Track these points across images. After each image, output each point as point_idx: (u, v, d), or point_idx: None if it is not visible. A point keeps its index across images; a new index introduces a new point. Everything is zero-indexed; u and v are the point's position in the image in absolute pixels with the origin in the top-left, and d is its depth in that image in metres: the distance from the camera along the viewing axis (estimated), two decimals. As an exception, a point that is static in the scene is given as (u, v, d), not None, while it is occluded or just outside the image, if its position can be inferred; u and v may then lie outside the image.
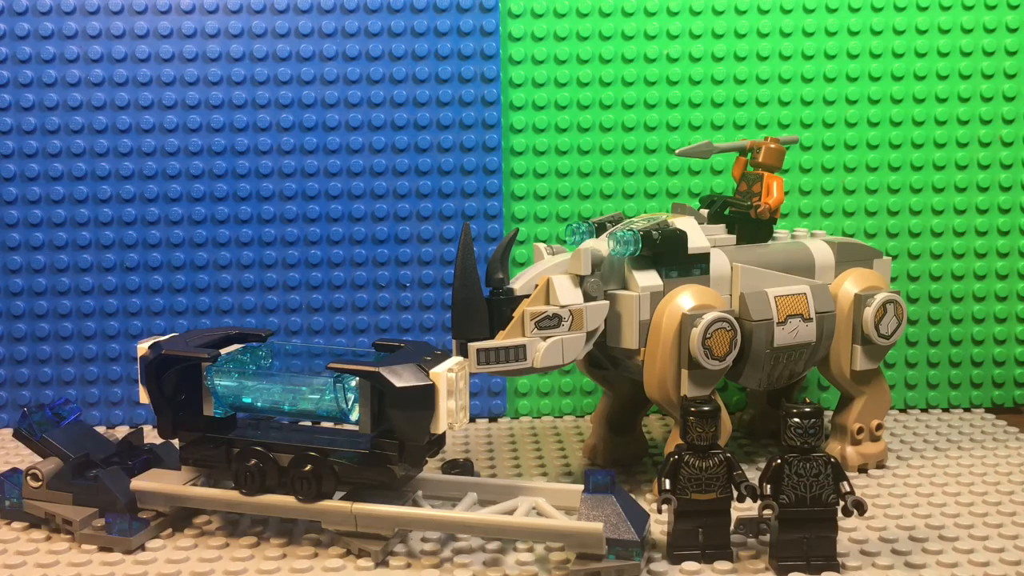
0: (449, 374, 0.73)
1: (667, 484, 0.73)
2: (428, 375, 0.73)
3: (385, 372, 0.73)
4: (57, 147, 1.09)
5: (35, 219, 1.10)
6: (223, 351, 0.81)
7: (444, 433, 0.76)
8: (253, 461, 0.78)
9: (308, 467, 0.77)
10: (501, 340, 0.80)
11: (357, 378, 0.76)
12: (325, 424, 0.87)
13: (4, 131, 1.09)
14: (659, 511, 0.74)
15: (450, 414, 0.74)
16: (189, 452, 0.81)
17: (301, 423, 0.93)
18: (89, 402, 1.12)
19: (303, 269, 1.12)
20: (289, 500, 0.77)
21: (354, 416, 0.78)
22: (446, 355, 0.77)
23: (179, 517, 0.83)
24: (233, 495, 0.79)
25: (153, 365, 0.79)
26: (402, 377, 0.72)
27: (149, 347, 0.80)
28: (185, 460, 0.82)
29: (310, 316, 1.12)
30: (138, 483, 0.81)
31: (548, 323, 0.81)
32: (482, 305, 0.80)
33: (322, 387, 0.78)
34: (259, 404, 0.81)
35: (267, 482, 0.78)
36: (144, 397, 0.80)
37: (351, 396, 0.77)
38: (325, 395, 0.78)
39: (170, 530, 0.81)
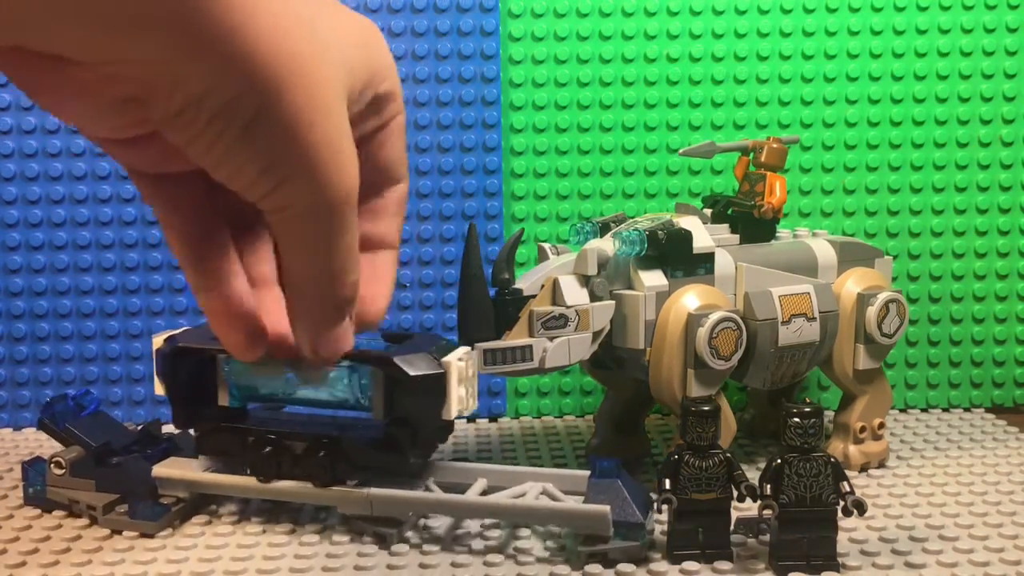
0: (459, 362, 0.76)
1: (667, 484, 0.73)
2: (440, 364, 0.75)
3: (399, 361, 0.75)
4: (57, 147, 1.09)
5: (35, 219, 1.10)
6: None
7: (453, 420, 0.78)
8: (268, 448, 0.80)
9: (323, 453, 0.79)
10: (508, 341, 0.80)
11: (371, 367, 0.78)
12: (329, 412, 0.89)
13: (4, 131, 1.09)
14: (659, 511, 0.74)
15: (460, 401, 0.76)
16: (204, 441, 0.83)
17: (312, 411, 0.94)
18: (89, 402, 1.12)
19: (303, 269, 1.11)
20: (306, 486, 0.79)
21: (367, 403, 0.79)
22: (453, 344, 0.79)
23: (190, 503, 0.84)
24: (251, 481, 0.81)
25: (169, 357, 0.81)
26: (416, 366, 0.75)
27: (165, 340, 0.82)
28: (201, 449, 0.84)
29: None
30: (159, 470, 0.83)
31: (555, 323, 0.81)
32: (488, 306, 0.80)
33: (336, 376, 0.79)
34: (274, 393, 0.82)
35: (282, 469, 0.80)
36: (160, 389, 0.82)
37: (365, 384, 0.79)
38: (340, 384, 0.80)
39: (178, 519, 0.83)
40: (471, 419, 1.14)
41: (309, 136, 0.43)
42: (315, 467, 0.79)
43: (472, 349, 0.79)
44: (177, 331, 0.84)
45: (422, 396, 0.75)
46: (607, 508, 0.73)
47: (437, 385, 0.75)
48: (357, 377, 0.79)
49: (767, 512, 0.72)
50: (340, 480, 0.79)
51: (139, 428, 0.90)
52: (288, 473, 0.80)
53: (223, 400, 0.82)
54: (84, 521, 0.83)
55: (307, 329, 0.53)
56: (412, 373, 0.75)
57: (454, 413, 0.76)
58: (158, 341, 0.82)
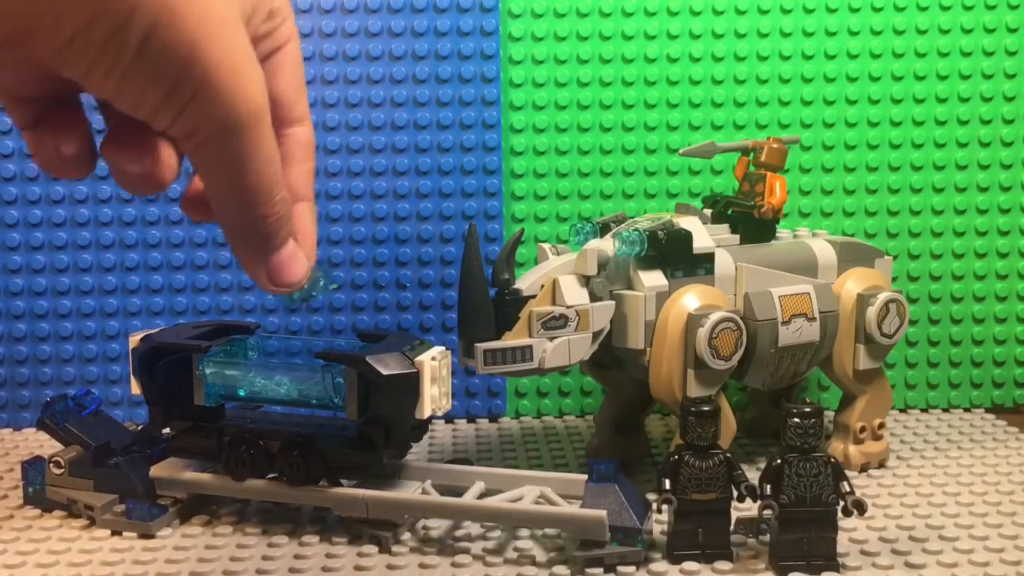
0: (432, 362, 0.76)
1: (667, 484, 0.73)
2: (413, 363, 0.76)
3: (372, 360, 0.75)
4: (57, 147, 1.09)
5: (35, 219, 1.10)
6: (214, 343, 0.83)
7: (428, 419, 0.79)
8: (244, 447, 0.80)
9: (296, 452, 0.79)
10: (508, 341, 0.80)
11: (344, 366, 0.78)
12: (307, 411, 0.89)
13: (4, 131, 1.09)
14: (659, 511, 0.74)
15: (433, 400, 0.77)
16: (180, 441, 0.83)
17: (289, 410, 0.94)
18: (89, 402, 1.12)
19: (303, 269, 1.11)
20: (305, 488, 0.79)
21: (341, 403, 0.79)
22: (428, 344, 0.80)
23: (189, 503, 0.84)
24: (250, 483, 0.81)
25: (145, 356, 0.81)
26: (388, 365, 0.75)
27: (141, 339, 0.82)
28: (176, 449, 0.84)
29: (310, 316, 1.12)
30: (157, 470, 0.83)
31: (554, 323, 0.81)
32: (488, 306, 0.80)
33: (311, 375, 0.80)
34: (250, 393, 0.83)
35: (257, 467, 0.80)
36: (136, 388, 0.82)
37: (339, 383, 0.79)
38: (314, 383, 0.80)
39: (177, 519, 0.83)
40: (471, 419, 1.14)
41: (206, 54, 0.43)
42: (289, 466, 0.79)
43: (447, 349, 0.79)
44: (153, 330, 0.84)
45: (395, 395, 0.76)
46: (603, 513, 0.73)
47: (410, 384, 0.76)
48: (331, 376, 0.79)
49: (767, 512, 0.72)
50: (314, 479, 0.79)
51: (139, 428, 0.90)
52: (263, 472, 0.80)
53: (199, 399, 0.82)
54: (83, 521, 0.83)
55: (250, 258, 0.51)
56: (385, 372, 0.75)
57: (427, 412, 0.76)
58: (134, 340, 0.82)
